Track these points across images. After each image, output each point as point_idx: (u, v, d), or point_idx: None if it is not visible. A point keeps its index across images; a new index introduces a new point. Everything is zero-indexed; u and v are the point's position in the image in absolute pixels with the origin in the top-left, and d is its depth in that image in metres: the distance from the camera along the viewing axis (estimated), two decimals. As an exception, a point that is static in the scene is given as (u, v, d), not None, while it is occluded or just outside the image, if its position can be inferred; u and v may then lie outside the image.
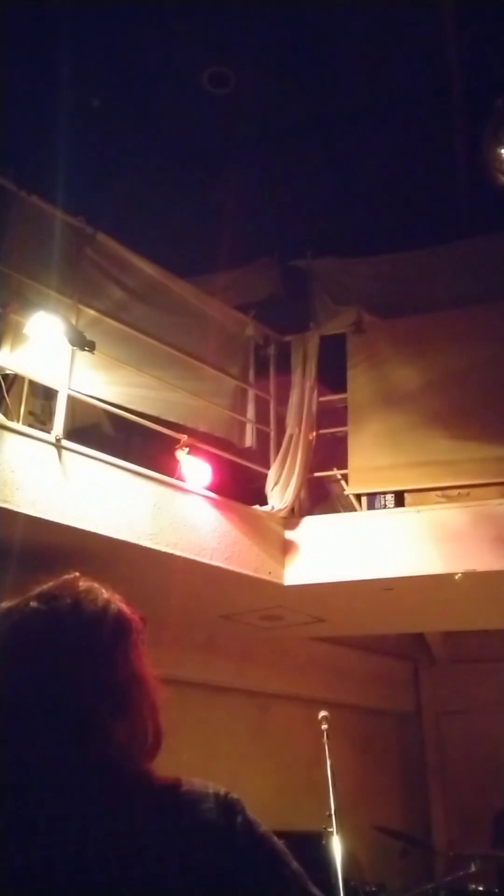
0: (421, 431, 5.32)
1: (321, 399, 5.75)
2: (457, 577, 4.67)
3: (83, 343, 4.28)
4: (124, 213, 5.41)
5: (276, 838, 1.10)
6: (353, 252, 6.21)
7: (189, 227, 6.09)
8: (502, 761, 6.53)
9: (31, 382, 4.47)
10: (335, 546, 5.02)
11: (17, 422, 4.09)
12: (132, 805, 1.04)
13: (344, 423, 5.61)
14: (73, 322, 4.35)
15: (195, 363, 5.25)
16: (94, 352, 4.37)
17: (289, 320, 5.95)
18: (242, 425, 5.60)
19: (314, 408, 5.64)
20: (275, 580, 4.94)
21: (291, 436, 5.52)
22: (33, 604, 1.14)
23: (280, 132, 6.35)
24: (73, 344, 4.24)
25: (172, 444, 4.81)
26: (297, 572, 5.01)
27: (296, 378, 5.72)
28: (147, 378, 4.90)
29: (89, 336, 4.36)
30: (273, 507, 5.21)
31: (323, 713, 4.19)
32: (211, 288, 5.68)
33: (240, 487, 5.22)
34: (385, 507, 5.19)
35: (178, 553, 4.41)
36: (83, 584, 1.19)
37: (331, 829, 3.83)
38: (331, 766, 4.00)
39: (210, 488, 4.77)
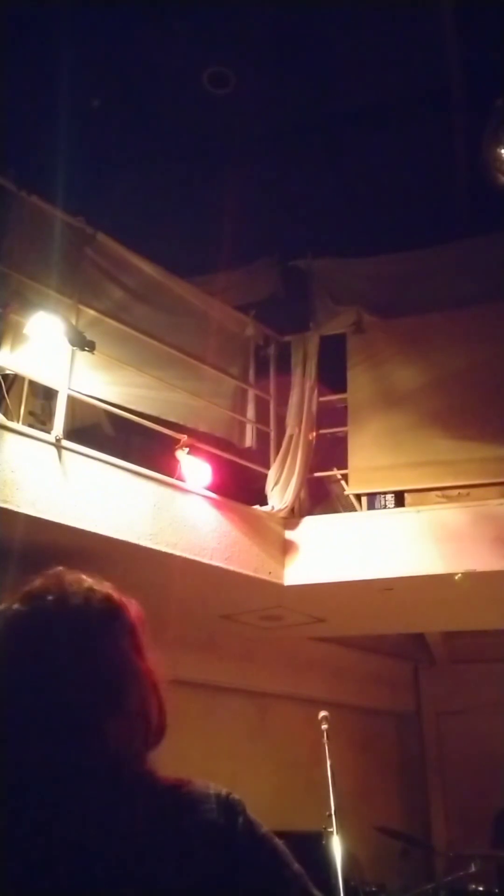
0: (421, 431, 5.32)
1: (321, 399, 5.75)
2: (457, 577, 4.67)
3: (83, 343, 4.28)
4: (124, 213, 5.41)
5: (276, 839, 1.10)
6: (353, 252, 6.20)
7: (189, 228, 6.08)
8: (502, 761, 6.52)
9: (31, 382, 4.47)
10: (335, 546, 5.02)
11: (17, 422, 4.09)
12: (133, 806, 1.04)
13: (344, 423, 5.61)
14: (73, 322, 4.35)
15: (195, 363, 5.25)
16: (94, 352, 4.37)
17: (289, 320, 5.95)
18: (242, 425, 5.60)
19: (314, 408, 5.64)
20: (275, 580, 4.94)
21: (291, 436, 5.52)
22: (16, 606, 1.13)
23: (280, 132, 6.35)
24: (73, 344, 4.25)
25: (172, 444, 4.81)
26: (297, 572, 5.01)
27: (296, 378, 5.72)
28: (147, 378, 4.90)
29: (89, 336, 4.36)
30: (273, 507, 5.21)
31: (323, 713, 4.19)
32: (211, 288, 5.68)
33: (240, 487, 5.22)
34: (385, 507, 5.19)
35: (178, 553, 4.41)
36: (68, 577, 1.17)
37: (331, 830, 3.83)
38: (331, 766, 4.00)
39: (210, 488, 4.77)
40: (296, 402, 5.63)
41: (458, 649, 7.33)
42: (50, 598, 1.13)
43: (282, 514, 5.20)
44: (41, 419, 4.54)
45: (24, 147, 4.82)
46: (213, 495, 4.78)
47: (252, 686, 6.43)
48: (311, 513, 5.37)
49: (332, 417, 5.81)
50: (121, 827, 1.02)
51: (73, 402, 4.40)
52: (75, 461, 4.08)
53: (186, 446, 4.77)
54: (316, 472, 5.53)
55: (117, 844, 1.01)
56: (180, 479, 4.66)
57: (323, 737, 4.11)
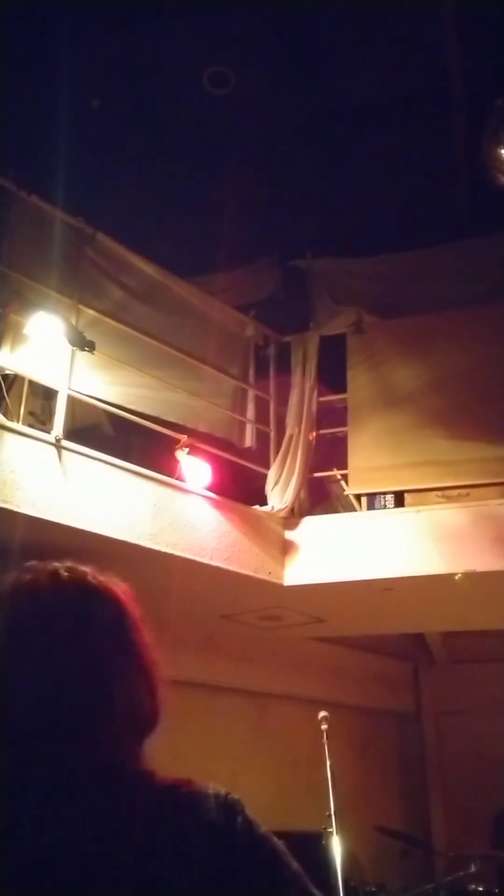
0: (421, 431, 5.32)
1: (321, 399, 5.75)
2: (457, 578, 4.67)
3: (83, 343, 4.28)
4: (124, 213, 5.40)
5: (276, 839, 1.10)
6: (353, 252, 6.21)
7: (189, 227, 6.08)
8: (502, 761, 6.52)
9: (31, 382, 4.47)
10: (335, 546, 5.02)
11: (17, 422, 4.09)
12: (133, 805, 1.04)
13: (344, 423, 5.61)
14: (73, 322, 4.35)
15: (195, 363, 5.25)
16: (94, 352, 4.37)
17: (289, 320, 5.95)
18: (242, 425, 5.60)
19: (314, 408, 5.64)
20: (275, 580, 4.94)
21: (291, 436, 5.52)
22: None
23: (280, 132, 6.34)
24: (73, 344, 4.25)
25: (172, 445, 4.81)
26: (296, 572, 5.01)
27: (296, 378, 5.72)
28: (147, 378, 4.90)
29: (89, 336, 4.36)
30: (273, 508, 5.21)
31: (323, 713, 4.19)
32: (211, 288, 5.68)
33: (240, 487, 5.22)
34: (385, 507, 5.19)
35: (178, 553, 4.41)
36: (47, 564, 1.17)
37: (331, 830, 3.83)
38: (331, 766, 4.01)
39: (210, 488, 4.77)
40: (296, 402, 5.63)
41: (458, 649, 7.33)
42: (30, 582, 1.13)
43: (282, 515, 5.20)
44: (41, 419, 4.54)
45: (24, 147, 4.81)
46: (213, 495, 4.78)
47: (252, 686, 6.43)
48: (311, 513, 5.37)
49: (332, 417, 5.81)
50: (120, 827, 1.02)
51: (73, 402, 4.40)
52: (75, 461, 4.08)
53: (186, 446, 4.77)
54: (316, 472, 5.53)
55: (117, 844, 1.01)
56: (180, 479, 4.66)
57: (323, 737, 4.11)
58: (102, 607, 1.16)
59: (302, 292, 6.06)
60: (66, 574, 1.17)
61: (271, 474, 5.39)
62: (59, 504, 3.90)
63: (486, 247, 5.80)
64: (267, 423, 5.71)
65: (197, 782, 1.10)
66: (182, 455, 4.75)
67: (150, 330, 4.98)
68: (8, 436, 3.84)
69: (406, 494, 5.18)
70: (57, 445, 4.02)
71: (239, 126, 6.21)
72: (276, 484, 5.33)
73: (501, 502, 4.85)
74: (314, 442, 5.58)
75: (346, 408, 5.66)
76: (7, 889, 0.96)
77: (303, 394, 5.63)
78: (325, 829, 3.88)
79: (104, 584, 1.19)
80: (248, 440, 5.56)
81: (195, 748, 5.65)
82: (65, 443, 4.05)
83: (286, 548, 5.10)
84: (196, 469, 4.76)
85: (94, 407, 4.72)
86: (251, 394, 5.69)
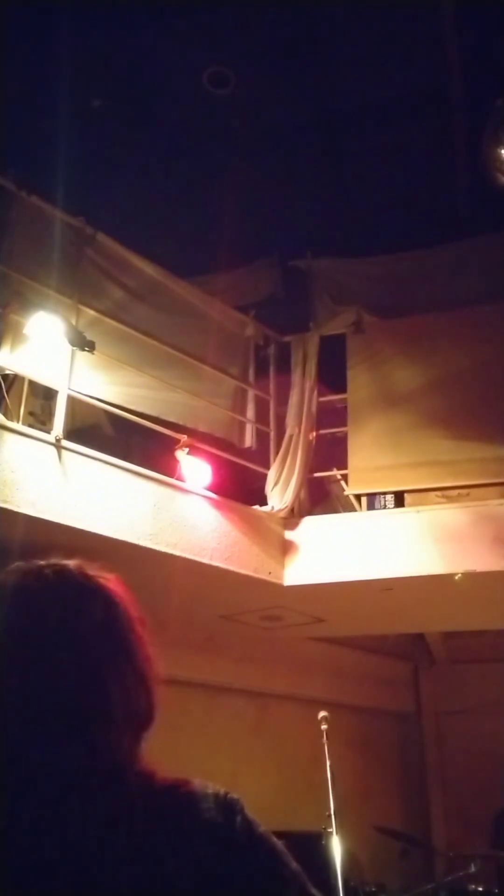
0: (421, 431, 5.32)
1: (321, 399, 5.75)
2: (457, 578, 4.67)
3: (83, 343, 4.28)
4: (124, 213, 5.40)
5: (275, 838, 1.10)
6: (353, 252, 6.21)
7: (189, 228, 6.08)
8: (502, 761, 6.53)
9: (31, 382, 4.47)
10: (335, 546, 5.02)
11: (17, 422, 4.09)
12: (132, 805, 1.04)
13: (344, 423, 5.61)
14: (73, 322, 4.35)
15: (195, 363, 5.25)
16: (94, 352, 4.37)
17: (289, 320, 5.95)
18: (242, 425, 5.60)
19: (314, 408, 5.64)
20: (275, 580, 4.94)
21: (291, 436, 5.52)
22: None
23: (280, 132, 6.34)
24: (73, 344, 4.25)
25: (172, 445, 4.81)
26: (296, 572, 5.01)
27: (296, 378, 5.72)
28: (147, 378, 4.90)
29: (89, 336, 4.36)
30: (273, 508, 5.22)
31: (323, 713, 4.19)
32: (211, 288, 5.68)
33: (240, 487, 5.22)
34: (385, 507, 5.19)
35: (178, 553, 4.41)
36: (27, 568, 1.15)
37: (331, 830, 3.83)
38: (330, 766, 4.01)
39: (210, 488, 4.77)
40: (296, 402, 5.63)
41: (458, 649, 7.34)
42: (15, 585, 1.12)
43: (282, 515, 5.20)
44: (41, 419, 4.54)
45: (24, 147, 4.81)
46: (213, 495, 4.78)
47: (252, 686, 6.43)
48: (310, 513, 5.37)
49: (332, 417, 5.81)
50: (120, 827, 1.02)
51: (72, 402, 4.40)
52: (75, 461, 4.08)
53: (186, 446, 4.77)
54: (316, 472, 5.53)
55: (117, 845, 1.01)
56: (180, 479, 4.66)
57: (323, 737, 4.12)
58: (92, 604, 1.14)
59: (302, 292, 6.07)
60: (51, 573, 1.15)
61: (271, 474, 5.39)
62: (59, 504, 3.90)
63: (486, 247, 5.80)
64: (267, 423, 5.71)
65: (196, 782, 1.10)
66: (182, 455, 4.75)
67: (150, 330, 4.98)
68: (8, 436, 3.84)
69: (406, 494, 5.18)
70: (57, 445, 4.02)
71: (239, 126, 6.21)
72: (276, 484, 5.33)
73: (501, 502, 4.85)
74: (314, 442, 5.58)
75: (346, 408, 5.66)
76: (7, 889, 0.96)
77: (303, 394, 5.63)
78: (325, 829, 3.88)
79: (93, 578, 1.17)
80: (248, 440, 5.56)
81: (195, 748, 5.65)
82: (65, 443, 4.05)
83: (286, 548, 5.10)
84: (196, 469, 4.76)
85: (94, 407, 4.72)
86: (251, 394, 5.69)
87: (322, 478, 5.58)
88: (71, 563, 1.18)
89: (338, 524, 5.18)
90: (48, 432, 4.05)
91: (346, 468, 5.43)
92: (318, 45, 5.82)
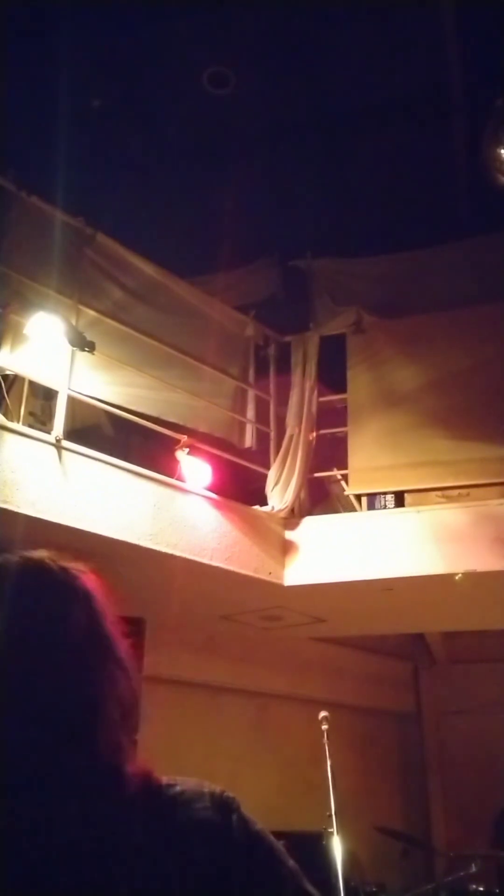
0: (421, 431, 5.32)
1: (321, 399, 5.75)
2: (457, 578, 4.67)
3: (83, 343, 4.28)
4: (124, 213, 5.40)
5: (271, 836, 1.10)
6: (353, 252, 6.21)
7: (189, 228, 6.08)
8: (502, 761, 6.53)
9: (31, 383, 4.47)
10: (335, 546, 5.02)
11: (17, 422, 4.09)
12: (129, 805, 1.04)
13: (344, 423, 5.61)
14: (73, 322, 4.35)
15: (195, 363, 5.25)
16: (94, 352, 4.37)
17: (289, 321, 5.95)
18: (242, 426, 5.60)
19: (314, 408, 5.64)
20: (275, 580, 4.94)
21: (291, 436, 5.52)
22: None
23: (280, 132, 6.34)
24: (73, 344, 4.25)
25: (172, 445, 4.81)
26: (297, 572, 5.01)
27: (296, 378, 5.72)
28: (147, 378, 4.90)
29: (89, 336, 4.36)
30: (273, 508, 5.21)
31: (323, 713, 4.19)
32: (211, 288, 5.68)
33: (240, 488, 5.22)
34: (385, 507, 5.19)
35: (178, 553, 4.41)
36: (12, 554, 1.13)
37: (331, 830, 3.83)
38: (331, 766, 4.01)
39: (210, 489, 4.77)
40: (296, 402, 5.63)
41: (458, 649, 7.34)
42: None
43: (282, 515, 5.20)
44: (41, 419, 4.54)
45: (24, 147, 4.82)
46: (213, 495, 4.78)
47: (252, 686, 6.43)
48: (311, 513, 5.37)
49: (332, 417, 5.81)
50: (118, 827, 1.02)
51: (73, 403, 4.40)
52: (75, 461, 4.08)
53: (186, 447, 4.77)
54: (316, 472, 5.53)
55: (114, 844, 1.01)
56: (180, 479, 4.66)
57: (323, 737, 4.12)
58: (76, 602, 1.12)
59: (302, 292, 6.07)
60: (31, 570, 1.12)
61: (271, 474, 5.39)
62: (59, 504, 3.90)
63: (486, 247, 5.80)
64: (267, 424, 5.71)
65: (191, 781, 1.10)
66: (182, 455, 4.75)
67: (150, 330, 4.98)
68: (8, 436, 3.84)
69: (406, 494, 5.18)
70: (57, 446, 4.02)
71: (239, 126, 6.21)
72: (276, 484, 5.33)
73: (501, 502, 4.85)
74: (314, 442, 5.58)
75: (346, 408, 5.66)
76: (6, 890, 0.96)
77: (303, 394, 5.63)
78: (325, 829, 3.88)
79: (66, 575, 1.14)
80: (248, 440, 5.56)
81: (195, 748, 5.66)
82: (65, 443, 4.06)
83: (286, 548, 5.10)
84: (196, 469, 4.76)
85: (94, 407, 4.72)
86: (251, 394, 5.69)
87: (322, 478, 5.58)
88: (45, 555, 1.14)
89: (338, 524, 5.18)
90: (48, 432, 4.05)
91: (346, 468, 5.43)
92: (318, 46, 5.83)
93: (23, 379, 4.41)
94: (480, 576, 4.66)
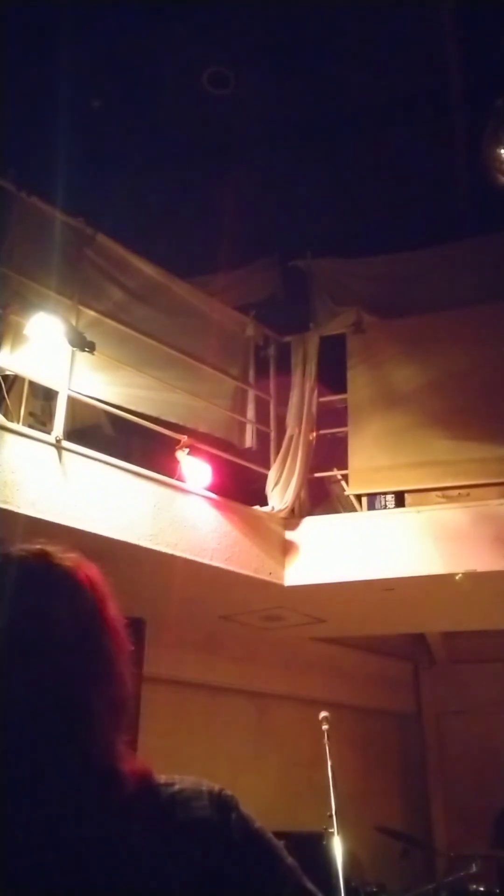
0: (421, 431, 5.32)
1: (321, 399, 5.75)
2: (457, 578, 4.67)
3: (83, 344, 4.29)
4: (124, 213, 5.40)
5: (270, 834, 1.10)
6: (353, 252, 6.21)
7: (189, 228, 6.08)
8: (502, 761, 6.53)
9: (31, 383, 4.47)
10: (335, 546, 5.02)
11: (18, 422, 4.09)
12: (127, 805, 1.04)
13: (344, 424, 5.61)
14: (73, 323, 4.35)
15: (195, 364, 5.25)
16: (94, 353, 4.37)
17: (289, 321, 5.95)
18: (242, 426, 5.60)
19: (314, 408, 5.64)
20: (275, 581, 4.95)
21: (291, 436, 5.52)
22: None
23: (280, 132, 6.34)
24: (73, 345, 4.25)
25: (172, 445, 4.81)
26: (297, 573, 5.01)
27: (296, 378, 5.72)
28: (147, 379, 4.90)
29: (89, 337, 4.36)
30: (273, 508, 5.22)
31: (323, 714, 4.19)
32: (211, 288, 5.68)
33: (240, 488, 5.22)
34: (385, 507, 5.19)
35: (178, 553, 4.41)
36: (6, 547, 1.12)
37: (331, 830, 3.83)
38: (331, 766, 4.01)
39: (210, 489, 4.77)
40: (296, 402, 5.63)
41: (458, 649, 7.34)
42: None
43: (282, 515, 5.20)
44: (41, 420, 4.54)
45: (24, 147, 4.81)
46: (213, 496, 4.78)
47: (252, 686, 6.43)
48: (311, 513, 5.37)
49: (332, 417, 5.81)
50: (116, 826, 1.02)
51: (73, 403, 4.40)
52: (75, 462, 4.08)
53: (186, 447, 4.77)
54: (316, 472, 5.53)
55: (112, 844, 1.01)
56: (180, 479, 4.66)
57: (323, 737, 4.12)
58: (57, 600, 1.10)
59: (302, 292, 6.07)
60: (22, 565, 1.10)
61: (271, 474, 5.39)
62: (59, 504, 3.90)
63: (486, 247, 5.80)
64: (267, 424, 5.71)
65: (189, 780, 1.10)
66: (182, 455, 4.75)
67: (150, 330, 4.98)
68: (8, 436, 3.84)
69: (406, 494, 5.18)
70: (57, 446, 4.02)
71: (239, 126, 6.21)
72: (276, 484, 5.33)
73: (501, 502, 4.85)
74: (314, 442, 5.58)
75: (346, 408, 5.66)
76: (4, 891, 0.96)
77: (303, 394, 5.63)
78: (325, 829, 3.88)
79: (57, 570, 1.12)
80: (248, 440, 5.56)
81: (195, 748, 5.66)
82: (65, 443, 4.06)
83: (286, 548, 5.10)
84: (196, 469, 4.76)
85: (94, 407, 4.72)
86: (251, 394, 5.69)
87: (322, 478, 5.58)
88: (38, 549, 1.12)
89: (338, 524, 5.18)
90: (48, 433, 4.05)
91: (346, 468, 5.43)
92: (318, 45, 5.82)
93: (23, 379, 4.41)
94: (480, 576, 4.66)
